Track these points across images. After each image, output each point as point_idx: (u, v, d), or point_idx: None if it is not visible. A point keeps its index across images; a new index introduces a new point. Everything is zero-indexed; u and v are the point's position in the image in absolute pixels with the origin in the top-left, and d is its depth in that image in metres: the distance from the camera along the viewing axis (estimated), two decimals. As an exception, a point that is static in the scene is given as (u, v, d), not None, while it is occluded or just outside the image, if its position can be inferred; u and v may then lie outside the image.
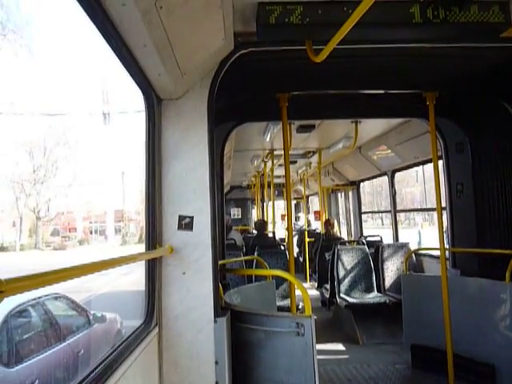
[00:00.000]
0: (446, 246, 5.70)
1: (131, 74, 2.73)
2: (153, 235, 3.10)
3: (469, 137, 5.52)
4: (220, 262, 4.67)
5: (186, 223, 3.17)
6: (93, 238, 32.64)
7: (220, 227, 5.25)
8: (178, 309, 3.14)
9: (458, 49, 3.52)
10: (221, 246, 5.22)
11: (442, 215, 4.78)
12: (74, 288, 7.61)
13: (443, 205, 5.71)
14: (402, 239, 8.57)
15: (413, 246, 8.32)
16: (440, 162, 5.84)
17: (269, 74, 4.06)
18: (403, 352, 5.83)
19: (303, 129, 7.08)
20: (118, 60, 2.47)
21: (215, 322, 3.11)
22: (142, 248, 3.43)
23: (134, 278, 12.85)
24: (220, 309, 3.22)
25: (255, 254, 7.50)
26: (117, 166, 45.72)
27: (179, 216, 3.17)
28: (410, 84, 4.57)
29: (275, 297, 5.18)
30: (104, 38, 2.21)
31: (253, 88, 4.49)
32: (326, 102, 5.08)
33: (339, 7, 2.93)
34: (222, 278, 5.26)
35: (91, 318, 6.68)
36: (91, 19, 2.03)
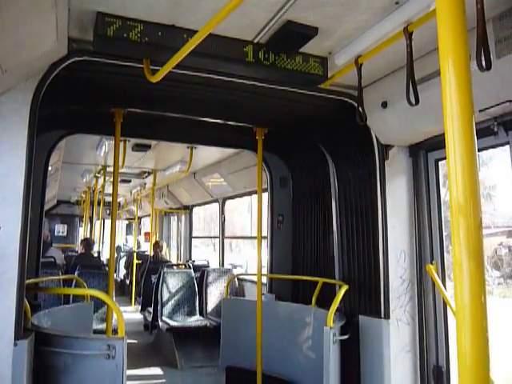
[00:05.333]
0: (265, 273, 6.10)
1: None
2: None
3: (291, 172, 6.04)
4: (31, 281, 4.27)
5: (-10, 233, 2.84)
6: None
7: (36, 243, 4.83)
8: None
9: (285, 92, 3.88)
10: (34, 263, 4.78)
11: (261, 244, 5.11)
12: None
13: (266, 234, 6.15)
14: (234, 264, 8.87)
15: (241, 272, 8.69)
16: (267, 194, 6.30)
17: (104, 86, 3.93)
18: (219, 374, 5.97)
19: (139, 147, 6.99)
20: None
21: (15, 344, 2.81)
22: None
23: None
24: (23, 331, 2.92)
25: (75, 273, 7.03)
26: None
27: (-17, 225, 2.83)
28: (242, 117, 4.85)
29: (91, 319, 4.91)
30: None
31: (87, 99, 4.29)
32: (163, 124, 5.10)
33: (179, 33, 3.01)
34: (33, 297, 4.80)
35: None
36: None
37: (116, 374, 2.98)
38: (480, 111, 3.29)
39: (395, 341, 3.92)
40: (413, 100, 2.85)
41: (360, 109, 3.48)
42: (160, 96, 4.13)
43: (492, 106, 3.19)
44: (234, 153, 7.21)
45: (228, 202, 9.21)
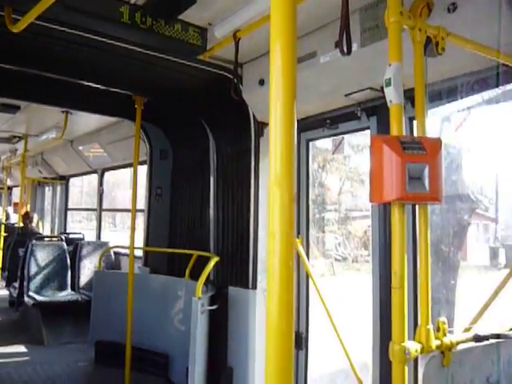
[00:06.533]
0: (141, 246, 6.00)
1: None
2: None
3: (172, 145, 5.96)
4: None
5: None
6: None
7: None
8: None
9: (164, 60, 3.78)
10: None
11: (135, 216, 5.00)
12: None
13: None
14: (120, 240, 8.54)
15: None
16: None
17: None
18: (89, 350, 5.79)
19: (6, 108, 6.35)
20: None
21: None
22: None
23: None
24: None
25: None
26: None
27: None
28: (120, 84, 4.64)
29: None
30: None
31: None
32: (33, 84, 4.69)
33: None
34: None
35: None
36: None
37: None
38: (346, 95, 3.52)
39: (261, 310, 4.11)
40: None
41: (236, 84, 3.53)
42: (26, 51, 3.78)
43: (355, 92, 3.43)
44: (114, 122, 6.88)
45: (113, 176, 8.85)
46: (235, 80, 3.53)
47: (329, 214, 14.74)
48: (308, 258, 4.08)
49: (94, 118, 6.73)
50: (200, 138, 5.24)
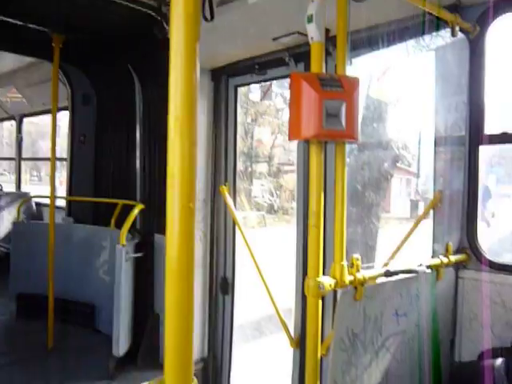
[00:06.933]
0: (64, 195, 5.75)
1: None
2: None
3: (96, 90, 5.64)
4: None
5: None
6: None
7: None
8: None
9: None
10: None
11: (54, 164, 4.74)
12: None
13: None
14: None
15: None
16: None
17: None
18: (9, 303, 5.57)
19: None
20: None
21: None
22: None
23: None
24: None
25: None
26: None
27: None
28: (35, 19, 4.26)
29: None
30: None
31: None
32: None
33: None
34: None
35: None
36: None
37: None
38: (274, 40, 3.45)
39: None
40: (208, 15, 2.83)
41: (161, 23, 3.35)
42: None
43: (283, 36, 3.37)
44: (32, 63, 6.36)
45: (37, 125, 8.30)
46: (159, 18, 3.34)
47: (261, 166, 14.86)
48: (235, 206, 4.09)
49: (9, 57, 6.18)
50: (125, 82, 4.99)
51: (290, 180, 14.98)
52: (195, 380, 1.14)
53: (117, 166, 5.33)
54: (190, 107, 1.13)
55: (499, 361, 2.36)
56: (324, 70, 1.96)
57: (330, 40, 2.39)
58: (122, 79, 5.04)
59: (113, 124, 5.41)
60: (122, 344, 4.10)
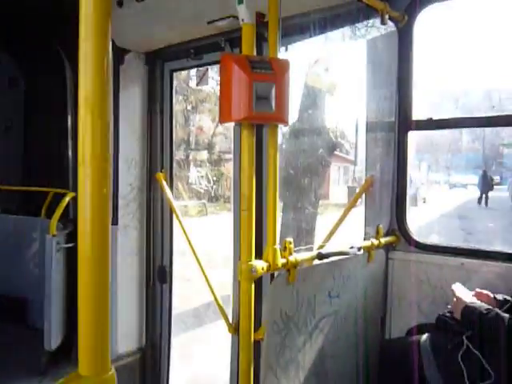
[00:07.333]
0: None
1: None
2: None
3: (24, 73, 5.33)
4: None
5: None
6: None
7: None
8: None
9: None
10: None
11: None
12: None
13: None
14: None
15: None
16: None
17: None
18: None
19: None
20: None
21: None
22: None
23: None
24: None
25: None
26: None
27: None
28: None
29: None
30: None
31: None
32: None
33: None
34: None
35: None
36: None
37: None
38: (208, 23, 3.38)
39: (123, 245, 4.00)
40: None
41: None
42: None
43: (218, 20, 3.31)
44: None
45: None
46: None
47: (202, 154, 14.73)
48: (172, 193, 4.02)
49: None
50: (56, 66, 4.75)
51: (231, 168, 14.94)
52: (113, 370, 1.10)
53: (48, 153, 5.07)
54: (101, 86, 1.07)
55: (425, 336, 2.48)
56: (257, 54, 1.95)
57: (266, 25, 2.38)
58: (53, 62, 4.79)
59: (44, 109, 5.13)
60: (54, 338, 3.94)
